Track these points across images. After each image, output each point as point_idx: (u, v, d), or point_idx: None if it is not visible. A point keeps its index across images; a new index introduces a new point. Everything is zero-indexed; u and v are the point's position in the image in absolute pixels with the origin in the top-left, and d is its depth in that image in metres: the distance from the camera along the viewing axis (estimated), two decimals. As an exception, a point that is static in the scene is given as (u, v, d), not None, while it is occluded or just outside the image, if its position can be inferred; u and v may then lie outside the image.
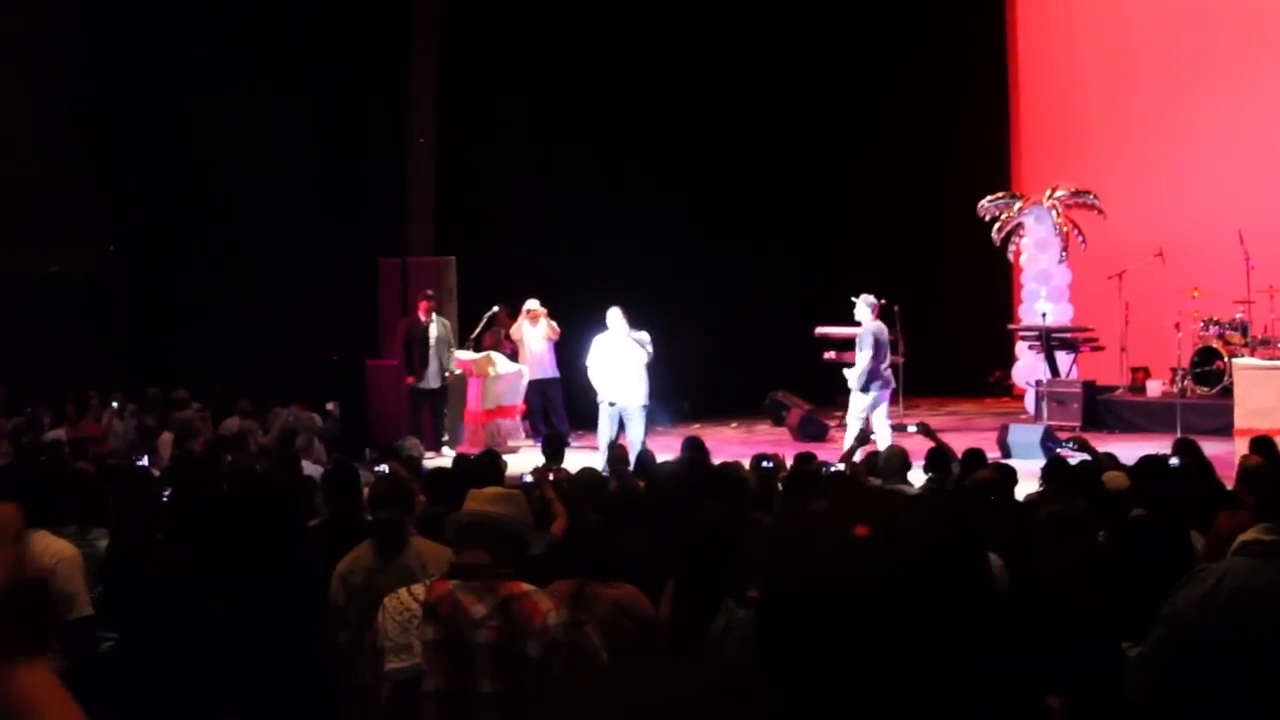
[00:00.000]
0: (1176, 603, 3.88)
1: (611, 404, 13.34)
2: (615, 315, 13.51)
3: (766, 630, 1.59)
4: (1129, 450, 9.73)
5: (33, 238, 16.36)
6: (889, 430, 13.05)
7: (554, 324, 15.92)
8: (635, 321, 13.52)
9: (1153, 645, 3.97)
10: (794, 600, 1.54)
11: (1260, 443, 8.90)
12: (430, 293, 15.63)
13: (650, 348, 13.45)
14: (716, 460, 9.28)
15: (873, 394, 13.22)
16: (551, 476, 8.61)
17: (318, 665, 5.37)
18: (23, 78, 15.93)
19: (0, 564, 1.55)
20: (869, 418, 13.21)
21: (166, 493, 7.33)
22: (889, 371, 13.37)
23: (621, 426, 13.38)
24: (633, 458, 10.75)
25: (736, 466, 8.33)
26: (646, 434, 13.38)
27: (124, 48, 16.12)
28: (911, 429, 10.92)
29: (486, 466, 8.17)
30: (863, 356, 13.09)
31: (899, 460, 8.39)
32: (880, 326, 13.38)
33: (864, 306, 13.32)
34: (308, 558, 5.68)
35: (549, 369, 16.08)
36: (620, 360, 13.37)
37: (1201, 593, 3.81)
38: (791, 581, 1.55)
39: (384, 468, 8.61)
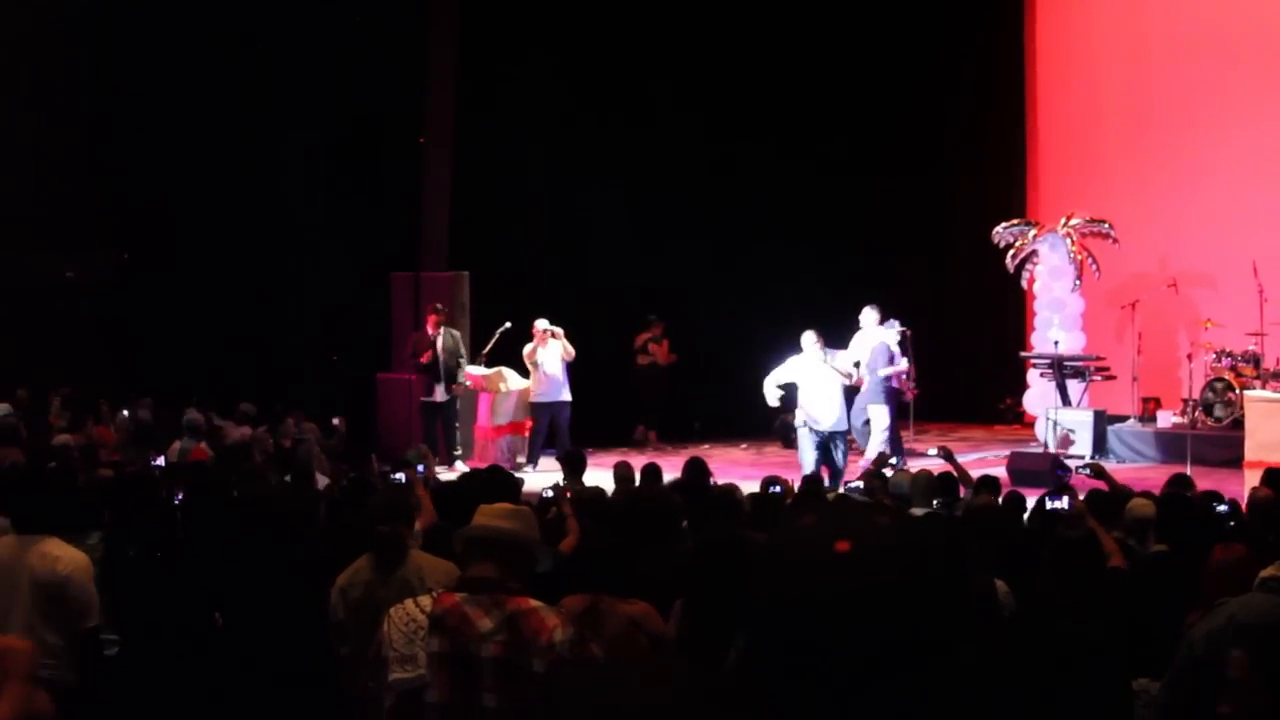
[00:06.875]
0: (1191, 638, 3.87)
1: (811, 429, 13.14)
2: (809, 338, 13.27)
3: (753, 638, 1.63)
4: (1138, 479, 9.74)
5: (49, 244, 16.43)
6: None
7: (569, 345, 15.56)
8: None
9: (1169, 680, 3.95)
10: (777, 611, 1.57)
11: (1272, 475, 8.85)
12: (439, 306, 15.53)
13: (851, 369, 13.46)
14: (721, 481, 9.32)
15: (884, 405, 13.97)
16: (569, 494, 8.58)
17: (320, 677, 5.37)
18: (40, 86, 16.01)
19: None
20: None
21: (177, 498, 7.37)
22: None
23: (825, 451, 13.17)
24: (836, 482, 10.73)
25: (733, 489, 8.34)
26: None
27: (139, 56, 16.20)
28: (931, 452, 10.91)
29: (501, 483, 8.11)
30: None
31: (924, 483, 8.38)
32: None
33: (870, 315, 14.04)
34: (311, 569, 5.69)
35: (562, 391, 15.65)
36: (816, 384, 13.14)
37: (1213, 627, 3.79)
38: (776, 593, 1.58)
39: (400, 476, 8.62)
